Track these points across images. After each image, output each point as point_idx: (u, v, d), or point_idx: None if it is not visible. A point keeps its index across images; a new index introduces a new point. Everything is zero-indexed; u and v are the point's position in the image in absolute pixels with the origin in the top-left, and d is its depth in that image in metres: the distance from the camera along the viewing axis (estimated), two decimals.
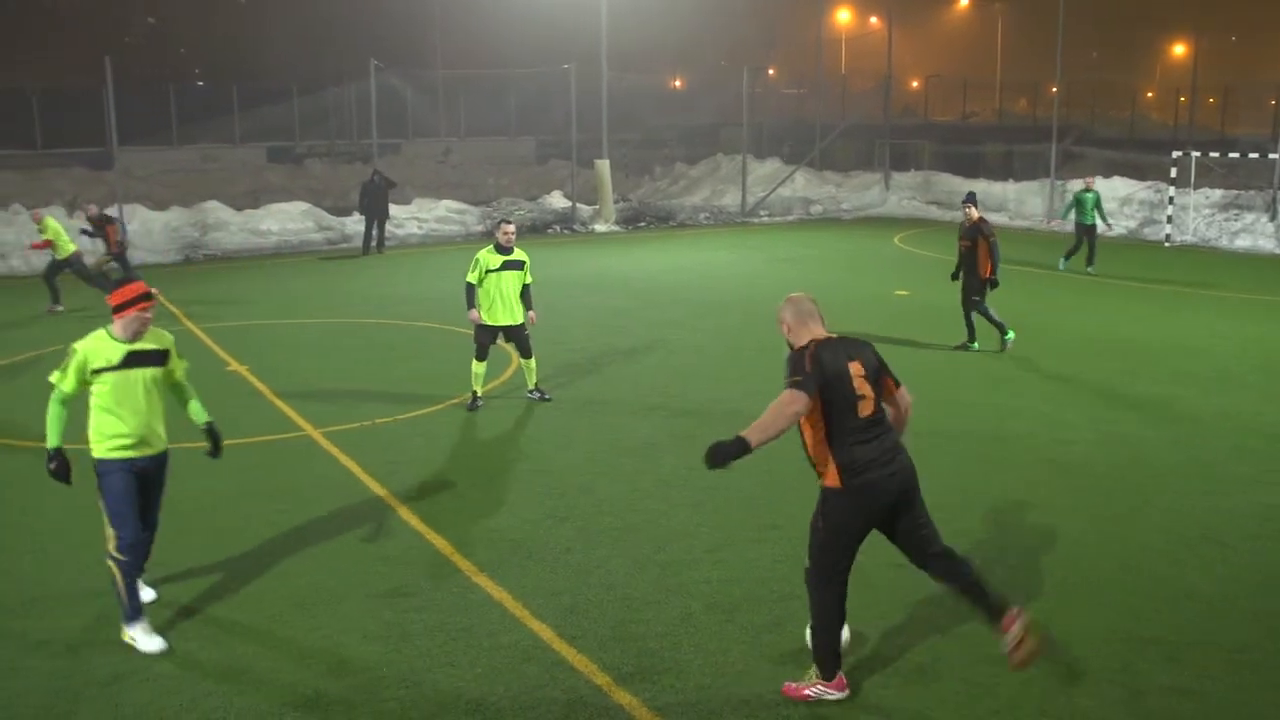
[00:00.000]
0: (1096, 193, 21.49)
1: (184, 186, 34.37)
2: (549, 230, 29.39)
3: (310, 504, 8.89)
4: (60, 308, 17.78)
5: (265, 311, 17.22)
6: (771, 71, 55.77)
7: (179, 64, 69.66)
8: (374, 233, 25.17)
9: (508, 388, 12.60)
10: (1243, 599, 7.18)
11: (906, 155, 37.42)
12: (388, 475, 9.49)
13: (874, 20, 60.86)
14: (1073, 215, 21.70)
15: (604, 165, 30.08)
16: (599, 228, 29.58)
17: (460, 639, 6.63)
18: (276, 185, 35.54)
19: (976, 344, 14.31)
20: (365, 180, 26.03)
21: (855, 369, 5.81)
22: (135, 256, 24.21)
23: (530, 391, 11.95)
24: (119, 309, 6.56)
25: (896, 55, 38.90)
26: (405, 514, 8.60)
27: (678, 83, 55.17)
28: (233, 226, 26.69)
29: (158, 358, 6.76)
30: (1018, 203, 31.78)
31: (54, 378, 6.59)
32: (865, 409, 5.78)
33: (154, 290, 6.70)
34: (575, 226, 29.65)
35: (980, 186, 32.85)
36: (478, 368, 11.61)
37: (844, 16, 66.32)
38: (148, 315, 6.62)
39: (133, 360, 6.59)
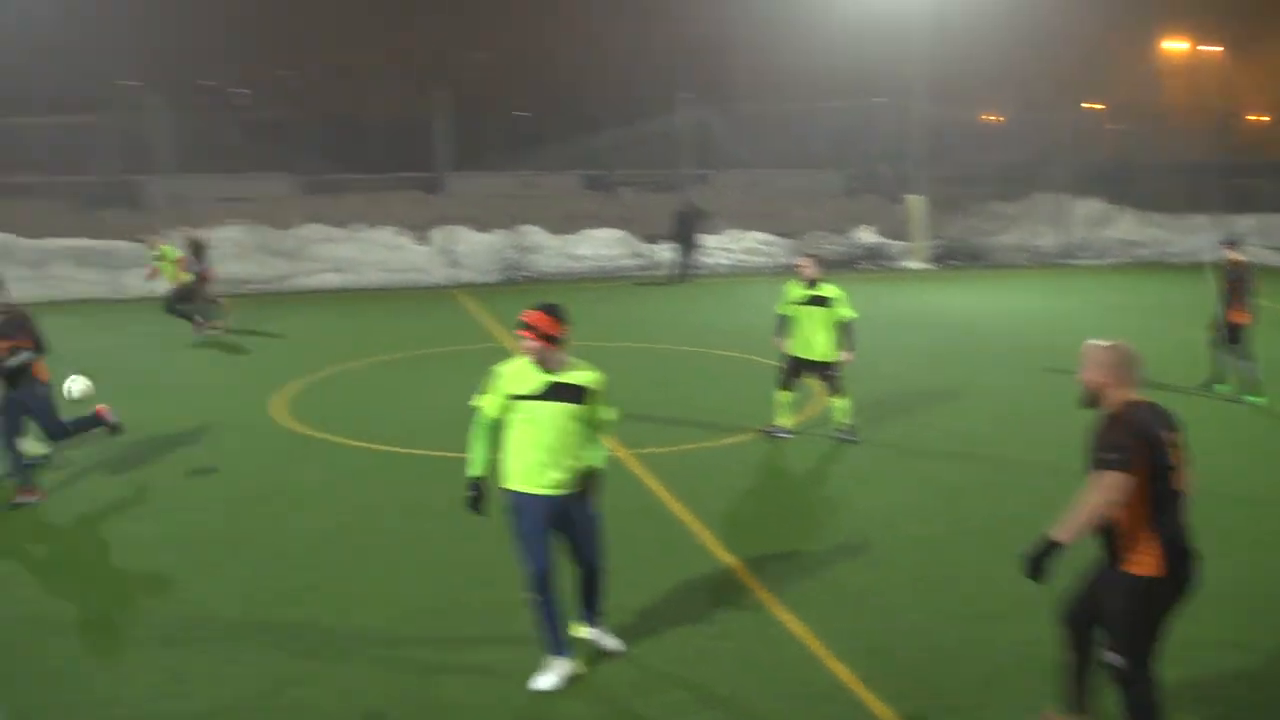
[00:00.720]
0: None
1: (505, 210, 36.20)
2: (857, 265, 29.12)
3: (617, 524, 9.05)
4: (213, 328, 18.09)
5: (577, 333, 17.77)
6: (1099, 105, 53.23)
7: (506, 94, 73.59)
8: (683, 261, 25.74)
9: (816, 422, 12.51)
10: None
11: (1246, 197, 34.78)
12: (693, 501, 9.61)
13: (1210, 49, 57.16)
14: None
15: (916, 201, 29.53)
16: (909, 265, 29.05)
17: (758, 671, 6.62)
18: (591, 211, 36.84)
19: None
20: (678, 209, 26.66)
21: (1169, 436, 5.21)
22: (461, 276, 25.73)
23: (836, 431, 11.73)
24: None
25: (1238, 87, 36.36)
26: (708, 541, 8.68)
27: (997, 116, 53.52)
28: (549, 250, 27.87)
29: (575, 394, 6.45)
30: None
31: (478, 401, 6.56)
32: (1178, 482, 5.21)
33: (531, 319, 6.40)
34: (884, 263, 29.24)
35: None
36: (782, 397, 11.62)
37: (1179, 46, 62.58)
38: (527, 344, 6.36)
39: (551, 393, 6.39)
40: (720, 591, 7.75)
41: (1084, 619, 5.63)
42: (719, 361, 16.09)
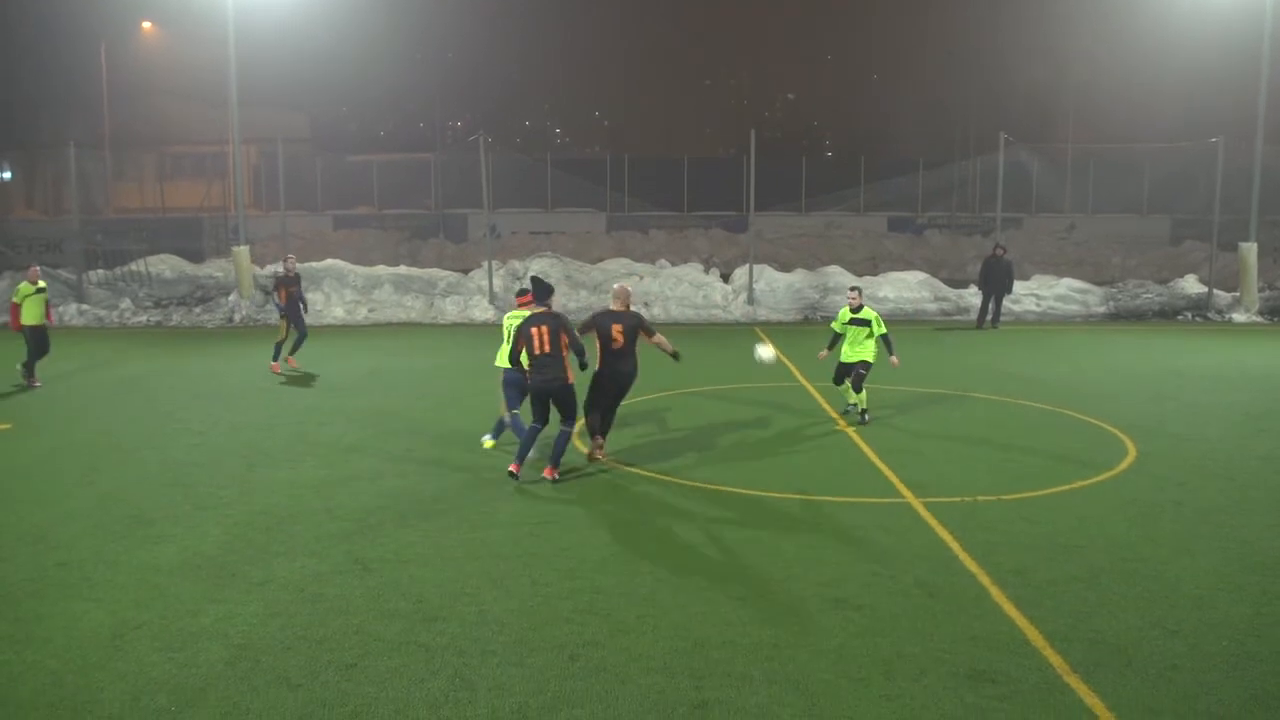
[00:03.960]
0: None
1: (808, 250, 36.28)
2: (1179, 316, 27.36)
3: (904, 571, 8.88)
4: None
5: (873, 375, 17.58)
6: None
7: (813, 136, 73.81)
8: (990, 307, 24.99)
9: (1120, 480, 11.80)
10: None
11: None
12: (985, 554, 9.24)
13: None
14: None
15: (1250, 249, 27.45)
16: (1238, 317, 27.04)
17: None
18: (895, 254, 36.40)
19: None
20: (987, 255, 25.92)
21: None
22: (759, 314, 25.89)
23: (852, 413, 14.76)
24: None
25: None
26: (998, 596, 8.31)
27: None
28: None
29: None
30: None
31: None
32: None
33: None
34: (1210, 314, 27.34)
35: None
36: (842, 389, 14.90)
37: None
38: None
39: None
40: (1007, 650, 7.39)
41: None
42: (1024, 412, 15.46)
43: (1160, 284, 29.83)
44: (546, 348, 11.38)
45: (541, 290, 11.75)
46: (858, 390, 14.55)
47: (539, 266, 28.17)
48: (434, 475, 11.94)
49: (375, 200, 46.23)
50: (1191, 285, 29.13)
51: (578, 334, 11.73)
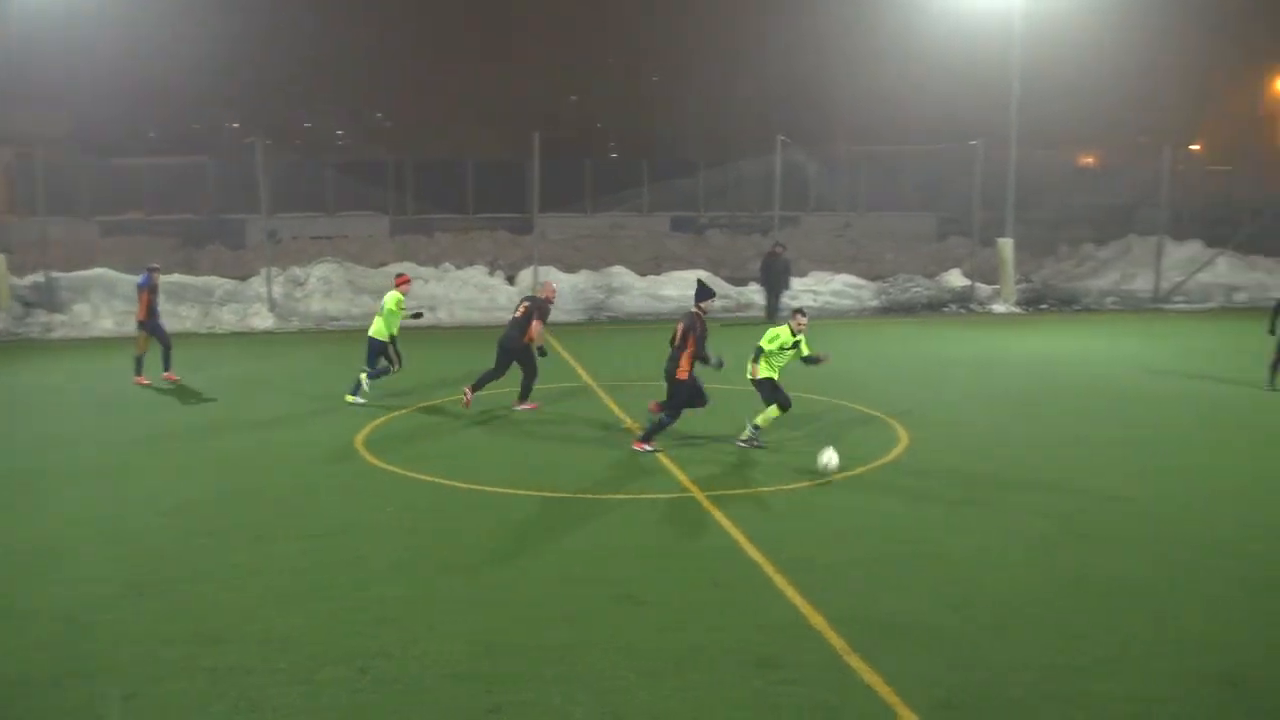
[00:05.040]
0: None
1: (593, 251, 36.55)
2: (945, 309, 28.79)
3: (692, 565, 9.07)
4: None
5: (661, 373, 17.84)
6: (1196, 147, 52.19)
7: (597, 137, 74.48)
8: (770, 303, 25.80)
9: (894, 466, 12.35)
10: None
11: None
12: (769, 544, 9.51)
13: None
14: None
15: (1006, 244, 29.13)
16: (997, 308, 28.65)
17: (826, 717, 6.51)
18: (678, 253, 37.03)
19: None
20: (766, 252, 26.72)
21: None
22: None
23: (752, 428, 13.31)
24: None
25: None
26: (783, 585, 8.58)
27: (1089, 159, 52.81)
28: (635, 291, 28.02)
29: None
30: None
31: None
32: None
33: None
34: (973, 306, 28.87)
35: None
36: (773, 412, 13.18)
37: None
38: None
39: None
40: (792, 637, 7.64)
41: None
42: (807, 404, 15.96)
43: (928, 278, 31.30)
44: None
45: (702, 292, 13.23)
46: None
47: (321, 272, 27.49)
48: (215, 492, 11.52)
49: (145, 205, 44.10)
50: (956, 279, 30.68)
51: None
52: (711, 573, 8.87)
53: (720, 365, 13.03)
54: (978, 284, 29.73)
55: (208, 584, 8.75)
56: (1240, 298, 30.84)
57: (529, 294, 16.07)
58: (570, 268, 30.10)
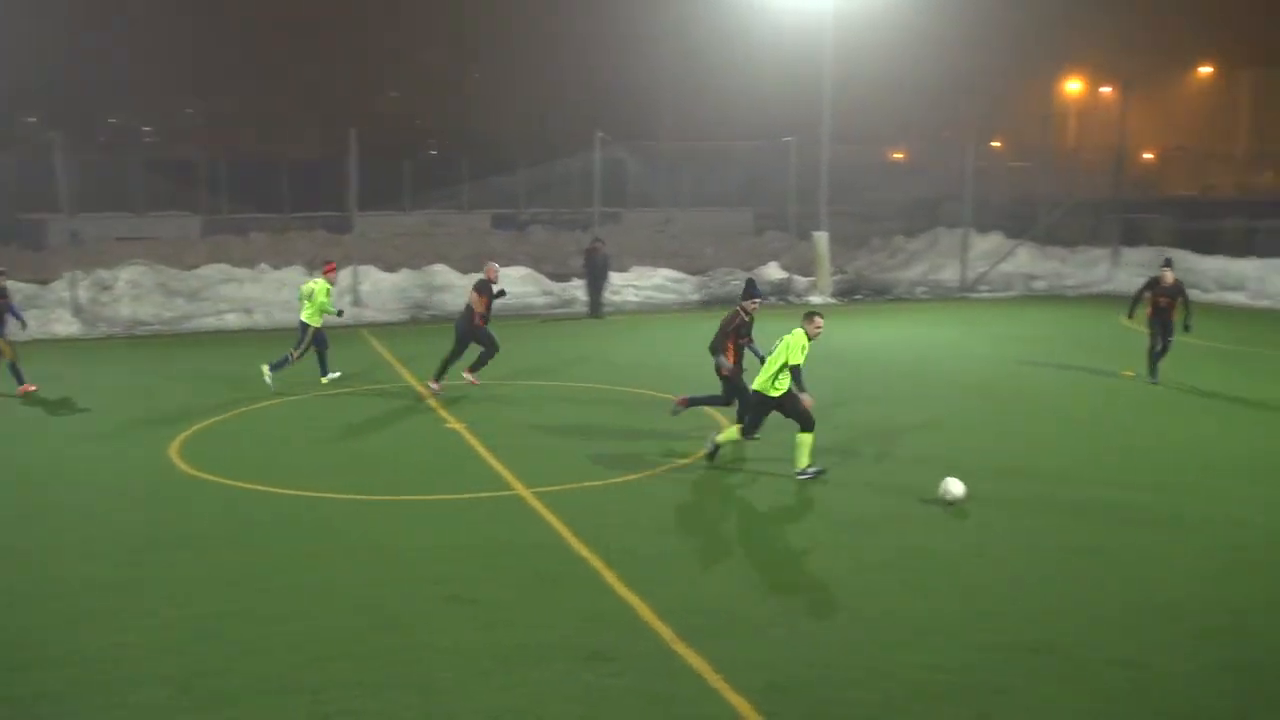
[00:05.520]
0: None
1: (413, 249, 36.04)
2: (765, 300, 29.40)
3: (518, 562, 9.06)
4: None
5: (485, 372, 17.75)
6: (997, 143, 54.60)
7: (416, 135, 73.48)
8: (593, 298, 25.96)
9: (724, 455, 12.56)
10: None
11: (1137, 230, 35.84)
12: (595, 538, 9.58)
13: (1106, 90, 58.96)
14: None
15: (822, 237, 29.96)
16: (815, 299, 29.41)
17: (656, 707, 6.59)
18: (499, 250, 36.83)
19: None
20: (586, 248, 26.84)
21: None
22: (365, 315, 25.49)
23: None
24: None
25: (1130, 126, 37.55)
26: (610, 578, 8.65)
27: (899, 154, 54.72)
28: (457, 289, 27.72)
29: None
30: (1259, 280, 29.97)
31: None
32: None
33: None
34: (791, 298, 29.57)
35: (1218, 264, 31.21)
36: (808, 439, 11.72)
37: (1074, 87, 64.53)
38: None
39: None
40: (621, 627, 7.72)
41: None
42: (629, 399, 16.11)
43: (746, 271, 31.91)
44: None
45: (748, 290, 13.14)
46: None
47: (130, 275, 26.33)
48: (16, 511, 10.94)
49: None
50: (774, 272, 31.36)
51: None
52: (538, 568, 8.89)
53: (731, 371, 12.83)
54: (795, 276, 30.45)
55: (8, 609, 8.32)
56: (1039, 285, 32.44)
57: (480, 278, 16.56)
58: (390, 266, 29.60)
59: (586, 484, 11.37)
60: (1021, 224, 35.35)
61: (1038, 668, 7.12)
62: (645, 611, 7.97)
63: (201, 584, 8.68)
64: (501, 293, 16.52)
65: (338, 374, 16.99)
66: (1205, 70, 61.48)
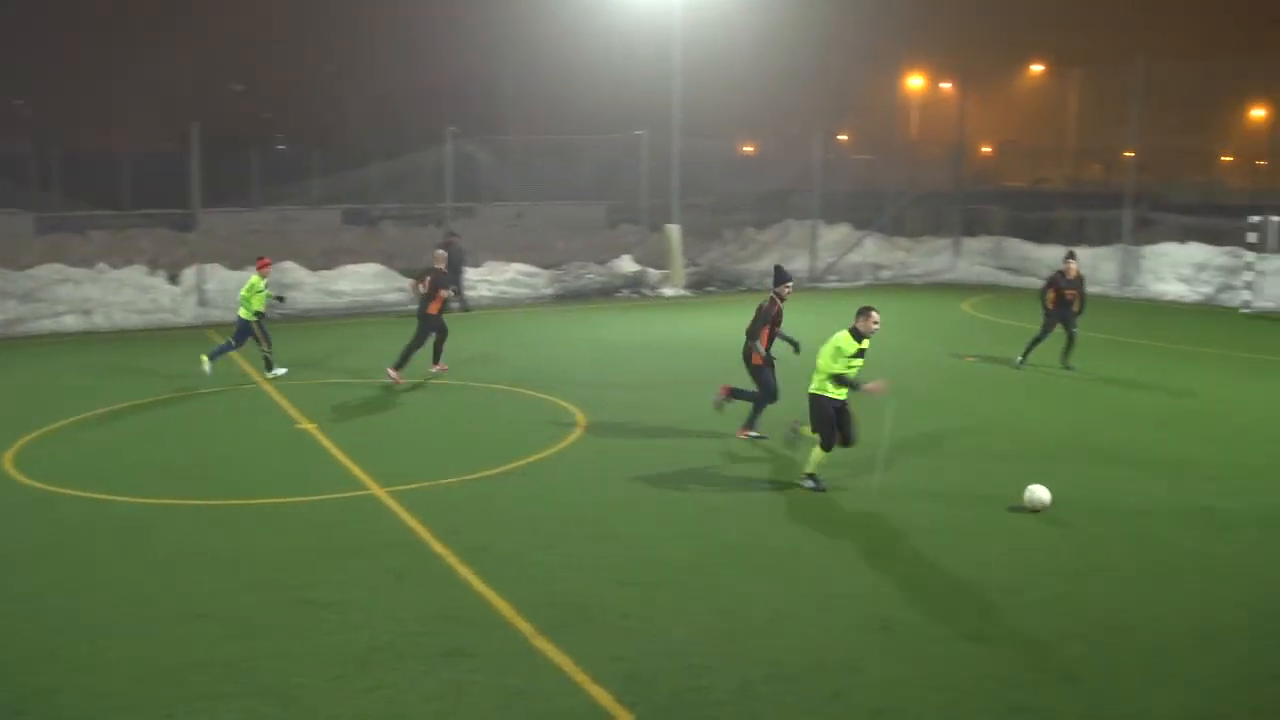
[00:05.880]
0: None
1: (262, 247, 35.13)
2: (618, 294, 29.54)
3: (373, 562, 8.95)
4: None
5: (338, 370, 17.46)
6: (843, 137, 55.82)
7: (263, 129, 71.68)
8: (453, 292, 25.87)
9: (571, 450, 12.61)
10: None
11: (977, 221, 37.15)
12: (451, 535, 9.53)
13: (946, 86, 60.85)
14: None
15: (674, 230, 30.24)
16: (668, 292, 29.70)
17: (517, 702, 6.61)
18: (351, 246, 36.18)
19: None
20: (441, 242, 26.62)
21: None
22: (212, 315, 24.80)
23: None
24: None
25: (969, 121, 38.84)
26: (467, 574, 8.62)
27: (749, 148, 55.49)
28: (307, 286, 27.19)
29: None
30: (1089, 269, 31.31)
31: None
32: None
33: None
34: (644, 290, 29.78)
35: (1051, 253, 32.45)
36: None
37: (916, 83, 66.39)
38: None
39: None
40: (479, 624, 7.70)
41: None
42: (485, 395, 16.03)
43: (600, 265, 32.03)
44: None
45: (778, 276, 13.17)
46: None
47: None
48: None
49: None
50: (627, 265, 31.55)
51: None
52: (395, 568, 8.80)
53: (797, 347, 13.21)
54: (648, 269, 30.68)
55: None
56: (886, 275, 33.37)
57: (430, 267, 17.22)
58: (238, 264, 28.75)
59: (442, 481, 11.29)
60: (868, 215, 36.27)
61: (888, 645, 7.36)
62: (504, 607, 7.97)
63: (34, 599, 8.35)
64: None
65: (282, 372, 17.04)
66: (1037, 69, 63.96)
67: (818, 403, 10.78)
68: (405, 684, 6.83)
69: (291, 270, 27.71)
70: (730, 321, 23.71)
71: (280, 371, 17.01)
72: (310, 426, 13.82)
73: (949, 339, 21.01)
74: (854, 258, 33.83)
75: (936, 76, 64.37)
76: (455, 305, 25.91)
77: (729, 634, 7.53)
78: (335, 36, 69.78)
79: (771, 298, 13.05)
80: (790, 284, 13.16)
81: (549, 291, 29.20)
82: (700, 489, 11.08)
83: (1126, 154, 32.26)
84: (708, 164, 41.29)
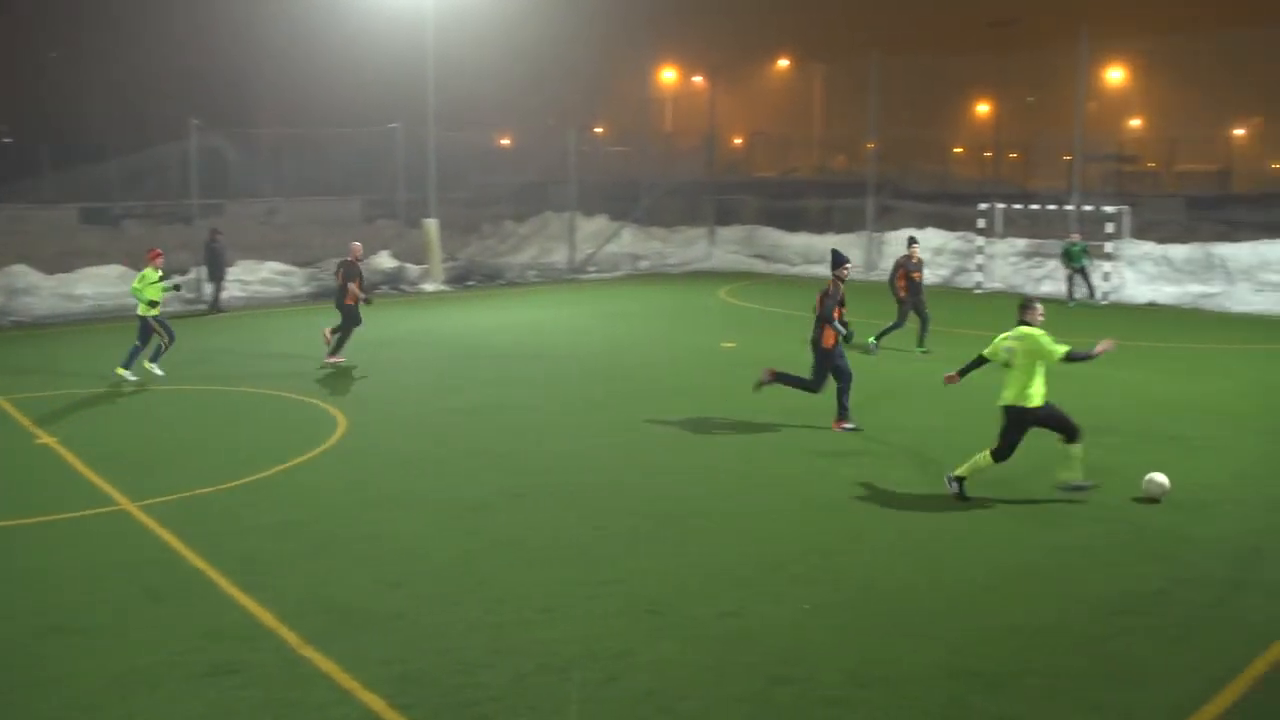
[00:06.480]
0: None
1: None
2: (377, 291, 29.01)
3: (127, 582, 8.54)
4: None
5: (79, 379, 16.52)
6: (599, 129, 56.48)
7: None
8: (213, 291, 25.11)
9: (333, 452, 12.37)
10: (1058, 627, 7.54)
11: (730, 210, 38.31)
12: (210, 548, 9.18)
13: (697, 79, 62.36)
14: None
15: (432, 224, 29.94)
16: (428, 287, 29.39)
17: (288, 715, 6.46)
18: (92, 248, 34.21)
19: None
20: (207, 239, 25.66)
21: None
22: None
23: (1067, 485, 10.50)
24: None
25: (720, 113, 39.97)
26: (229, 587, 8.34)
27: (506, 140, 55.40)
28: (43, 291, 25.58)
29: None
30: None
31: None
32: None
33: None
34: (404, 287, 29.39)
35: (802, 240, 33.89)
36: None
37: (669, 75, 67.73)
38: None
39: None
40: (243, 639, 7.47)
41: None
42: (241, 399, 15.50)
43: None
44: None
45: (836, 258, 13.21)
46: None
47: None
48: None
49: None
50: (386, 261, 31.06)
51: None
52: (150, 586, 8.42)
53: (848, 337, 13.01)
54: (407, 265, 30.30)
55: None
56: (644, 265, 34.03)
57: (341, 259, 18.16)
58: None
59: (198, 492, 10.86)
60: (625, 206, 36.86)
61: (657, 627, 7.56)
62: (268, 618, 7.76)
63: None
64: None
65: (160, 373, 16.72)
66: (783, 62, 66.32)
67: (1018, 415, 10.15)
68: (166, 708, 6.56)
69: (24, 274, 26.01)
70: (491, 316, 23.75)
71: (159, 372, 16.62)
72: (50, 440, 13.03)
73: (708, 327, 21.61)
74: (612, 249, 34.34)
75: (688, 70, 65.86)
76: (205, 305, 25.04)
77: (501, 628, 7.56)
78: (64, 20, 65.71)
79: (833, 279, 13.18)
80: (849, 264, 13.50)
81: (305, 290, 28.43)
82: (467, 485, 11.06)
83: (868, 145, 33.89)
84: (465, 157, 41.04)
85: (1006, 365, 10.17)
